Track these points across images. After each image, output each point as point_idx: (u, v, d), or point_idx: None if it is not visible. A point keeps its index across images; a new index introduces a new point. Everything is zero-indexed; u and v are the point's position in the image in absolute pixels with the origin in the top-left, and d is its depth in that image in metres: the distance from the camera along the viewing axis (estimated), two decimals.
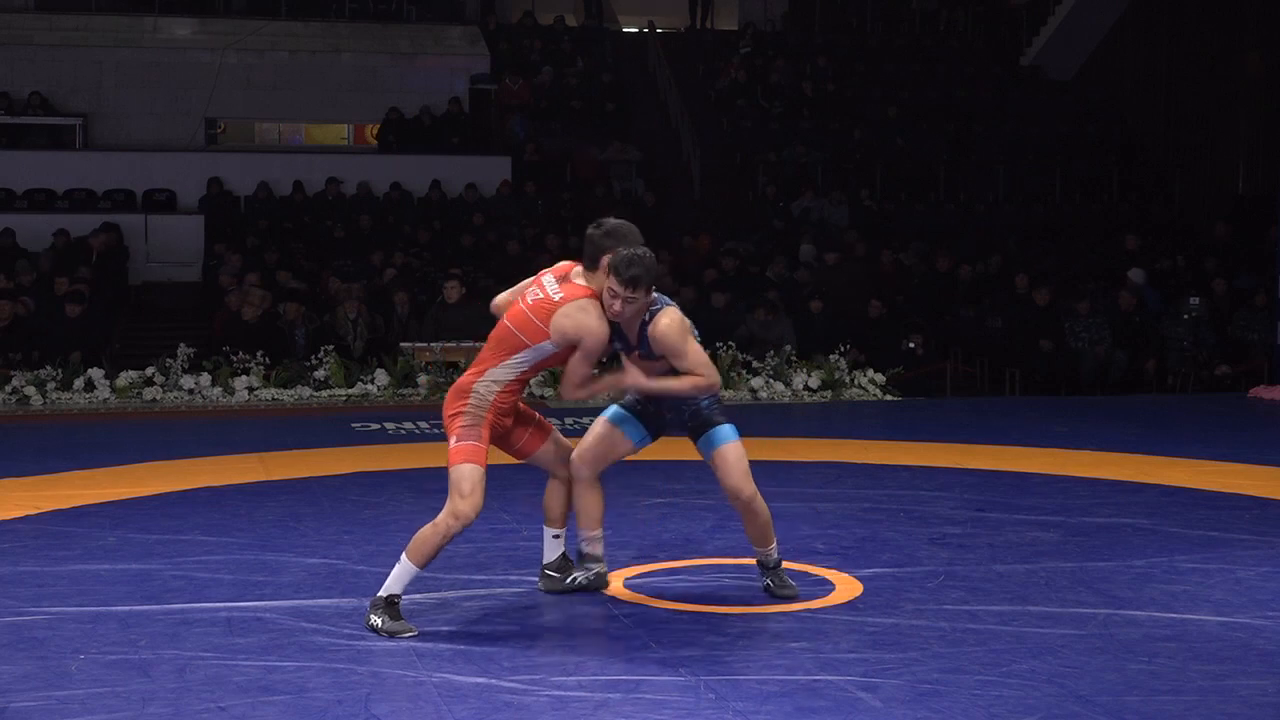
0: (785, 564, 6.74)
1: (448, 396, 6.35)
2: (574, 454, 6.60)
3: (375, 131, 22.89)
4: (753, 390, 14.71)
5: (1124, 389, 15.85)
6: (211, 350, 14.57)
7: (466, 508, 6.07)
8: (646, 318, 6.27)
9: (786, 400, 14.65)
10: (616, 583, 6.87)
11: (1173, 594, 6.68)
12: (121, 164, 20.39)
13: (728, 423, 6.49)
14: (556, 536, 6.76)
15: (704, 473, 9.96)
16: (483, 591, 6.72)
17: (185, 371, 14.29)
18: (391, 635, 5.99)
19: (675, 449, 11.12)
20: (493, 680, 5.39)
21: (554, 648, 5.84)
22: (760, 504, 6.45)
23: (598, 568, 6.73)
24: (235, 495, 9.17)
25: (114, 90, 21.89)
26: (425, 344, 14.72)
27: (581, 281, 6.29)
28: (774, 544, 6.59)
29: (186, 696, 5.22)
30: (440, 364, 14.51)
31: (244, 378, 14.19)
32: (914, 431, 12.19)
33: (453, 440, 6.21)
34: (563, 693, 5.24)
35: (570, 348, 6.23)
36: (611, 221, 6.38)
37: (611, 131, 22.50)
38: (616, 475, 9.76)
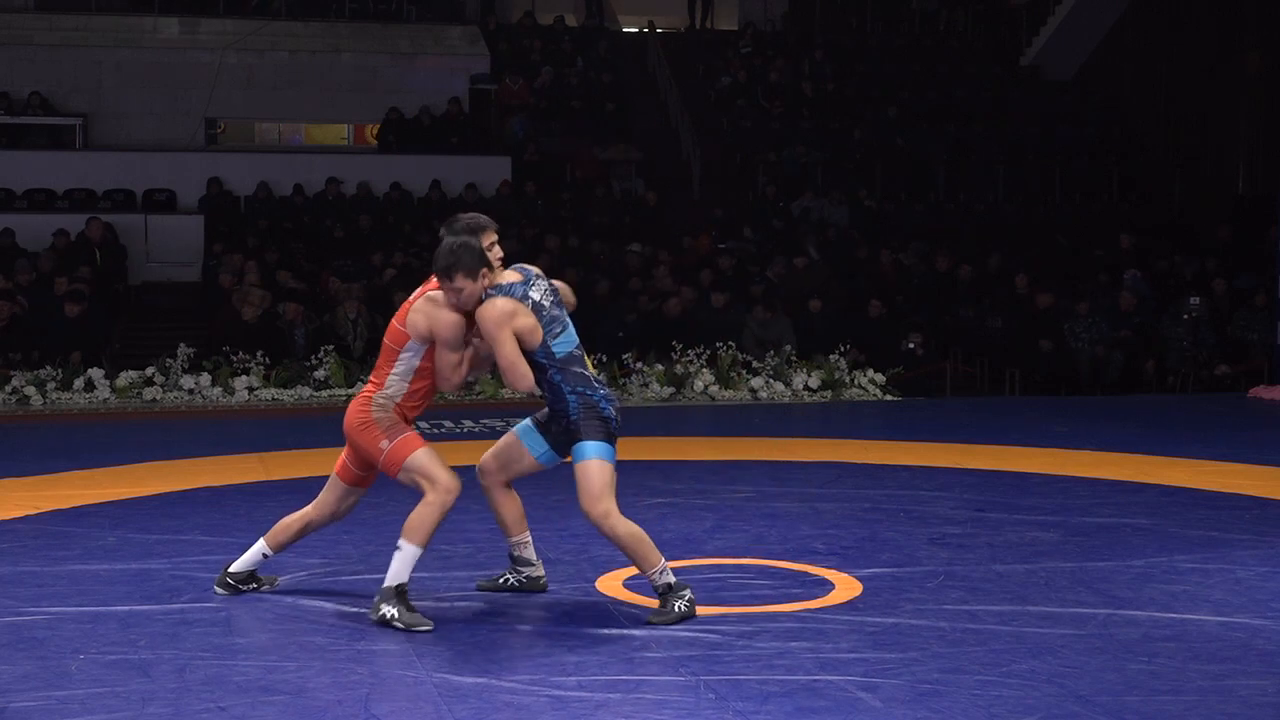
0: (786, 563, 6.71)
1: (350, 408, 6.43)
2: (479, 464, 6.62)
3: (375, 132, 22.89)
4: (753, 390, 14.71)
5: (1124, 389, 15.85)
6: (211, 350, 14.56)
7: (447, 482, 6.21)
8: (483, 296, 6.20)
9: (786, 400, 14.65)
10: (616, 583, 6.87)
11: (1172, 594, 6.68)
12: (121, 164, 20.38)
13: (596, 440, 6.25)
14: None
15: (703, 473, 10.01)
16: (481, 592, 6.72)
17: (185, 371, 14.29)
18: (408, 628, 6.04)
19: (674, 450, 11.15)
20: (492, 680, 5.39)
21: (553, 648, 5.84)
22: (616, 525, 6.19)
23: (529, 570, 6.73)
24: (235, 495, 9.17)
25: (114, 90, 21.88)
26: None
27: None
28: (657, 566, 6.24)
29: (186, 696, 5.22)
30: None
31: (244, 378, 14.20)
32: (914, 431, 12.19)
33: (383, 444, 6.29)
34: (562, 693, 5.24)
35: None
36: (462, 218, 6.37)
37: (612, 132, 22.50)
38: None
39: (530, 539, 6.73)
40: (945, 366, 16.32)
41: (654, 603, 6.42)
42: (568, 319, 6.38)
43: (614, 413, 6.35)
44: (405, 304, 6.38)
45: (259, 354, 14.32)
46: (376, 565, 7.19)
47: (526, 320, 6.18)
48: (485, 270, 6.16)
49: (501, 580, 6.75)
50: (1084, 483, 9.64)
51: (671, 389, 14.63)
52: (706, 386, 14.66)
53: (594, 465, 6.21)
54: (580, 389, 6.28)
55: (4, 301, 15.15)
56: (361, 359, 14.71)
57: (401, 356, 6.32)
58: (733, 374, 14.77)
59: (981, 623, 6.16)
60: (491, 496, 6.62)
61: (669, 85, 23.99)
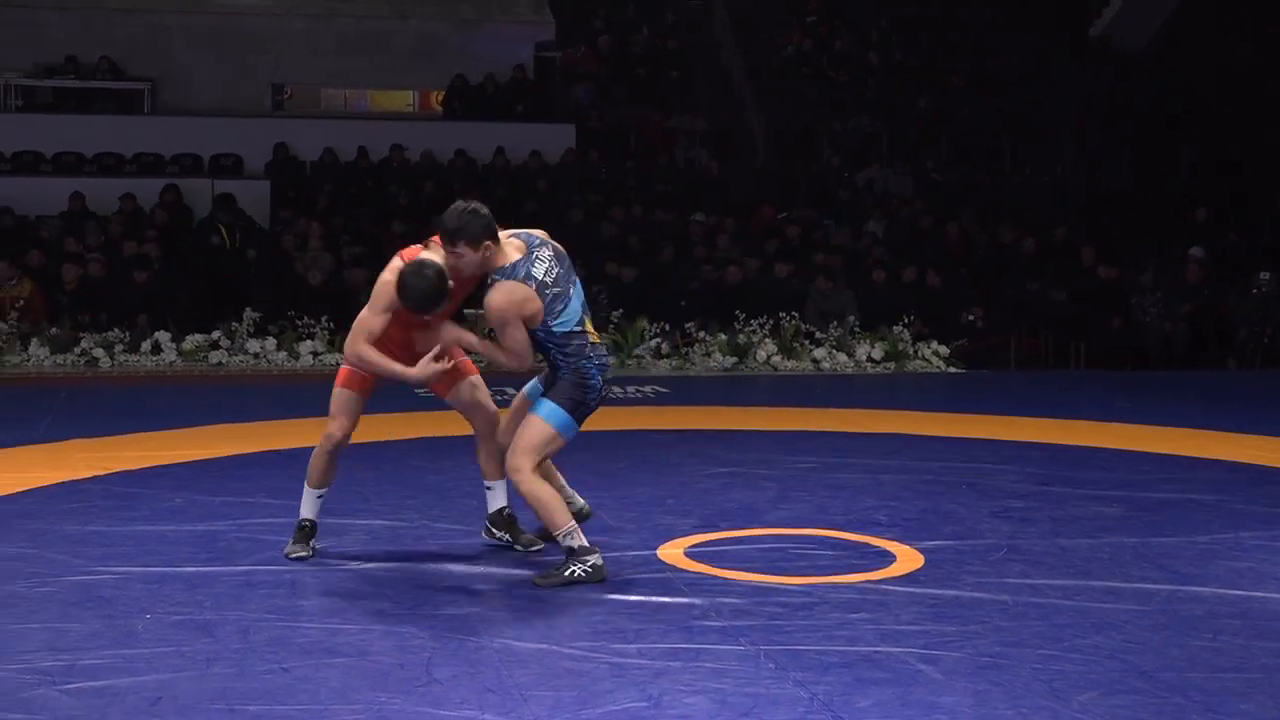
0: (848, 534, 6.69)
1: None
2: (499, 434, 6.65)
3: (440, 98, 22.91)
4: (815, 361, 14.68)
5: (1190, 364, 15.71)
6: (276, 315, 14.66)
7: (333, 428, 6.55)
8: (489, 280, 6.21)
9: (849, 371, 14.62)
10: (677, 551, 6.88)
11: (1237, 571, 6.62)
12: (189, 129, 20.50)
13: (561, 406, 6.27)
14: (489, 489, 6.87)
15: (765, 442, 10.00)
16: (542, 560, 6.74)
17: (250, 335, 14.39)
18: (288, 555, 6.61)
19: (736, 419, 11.15)
20: (553, 646, 5.41)
21: (614, 615, 5.85)
22: (524, 482, 6.22)
23: (525, 536, 6.83)
24: (299, 459, 9.19)
25: (182, 55, 21.99)
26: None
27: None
28: (564, 527, 6.25)
29: (250, 657, 5.27)
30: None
31: (308, 342, 14.28)
32: (977, 404, 12.13)
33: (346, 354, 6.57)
34: (622, 660, 5.26)
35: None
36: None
37: (676, 100, 22.44)
38: (678, 444, 9.84)
39: (571, 500, 6.75)
40: (1009, 339, 16.22)
41: (718, 570, 6.45)
42: (572, 290, 6.33)
43: (600, 382, 6.38)
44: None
45: (324, 318, 14.39)
46: (440, 529, 7.25)
47: (534, 305, 6.19)
48: (489, 242, 6.16)
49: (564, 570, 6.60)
50: (1149, 458, 9.57)
51: (734, 359, 14.62)
52: (769, 357, 14.64)
53: (538, 422, 6.28)
54: (575, 360, 6.30)
55: (74, 265, 15.31)
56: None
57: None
58: (795, 344, 14.74)
59: (1044, 596, 6.13)
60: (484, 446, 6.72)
61: (734, 53, 23.88)
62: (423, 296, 6.15)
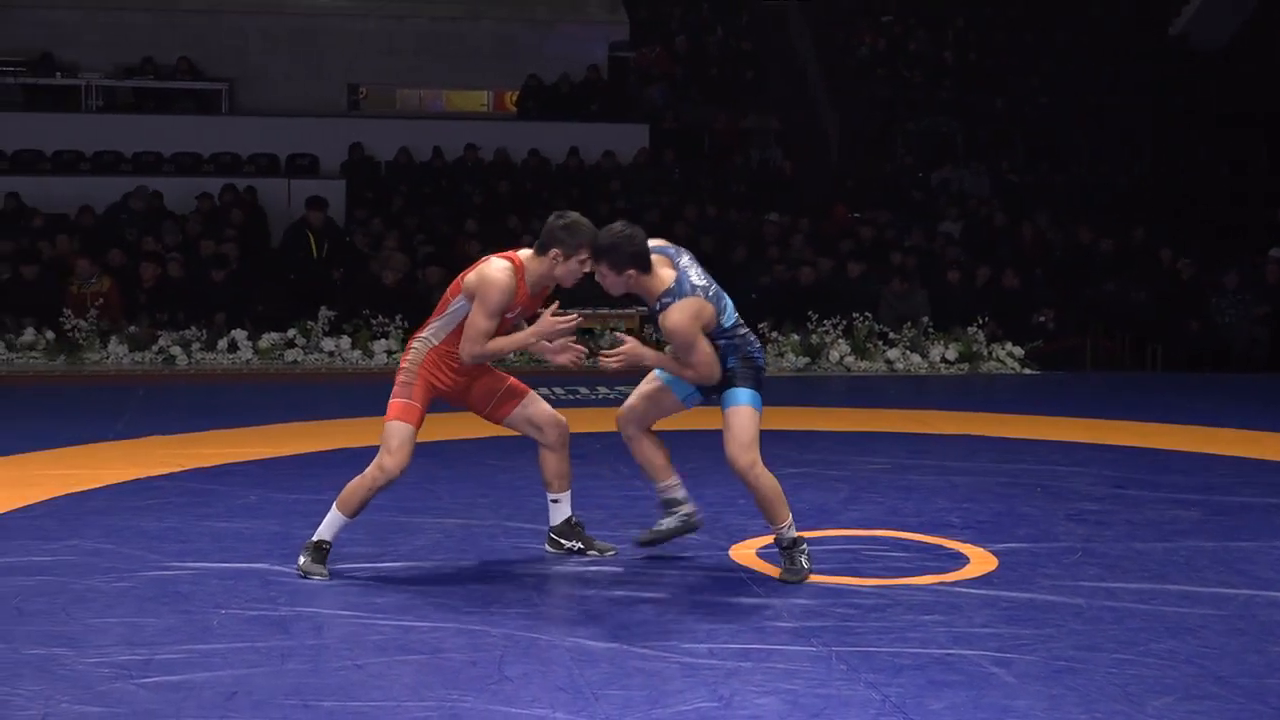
0: (921, 536, 6.68)
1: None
2: (618, 414, 6.65)
3: (514, 98, 22.98)
4: (889, 361, 14.62)
5: (1271, 366, 15.51)
6: (351, 314, 14.75)
7: (391, 464, 6.38)
8: (658, 306, 6.24)
9: (923, 372, 14.54)
10: (749, 551, 6.87)
11: None
12: (265, 128, 20.66)
13: (750, 388, 6.35)
14: (555, 501, 6.83)
15: (838, 443, 9.96)
16: (615, 558, 6.75)
17: (326, 334, 14.49)
18: (305, 575, 6.35)
19: (809, 420, 11.11)
20: (624, 646, 5.42)
21: (685, 615, 5.85)
22: (760, 476, 6.29)
23: (683, 509, 6.67)
24: (373, 457, 9.27)
25: (259, 56, 22.17)
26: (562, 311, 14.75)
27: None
28: (786, 521, 6.37)
29: (324, 654, 5.31)
30: (577, 330, 14.56)
31: (383, 341, 14.37)
32: (1052, 406, 12.04)
33: (394, 393, 6.47)
34: (693, 660, 5.26)
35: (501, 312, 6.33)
36: (572, 215, 6.39)
37: (750, 100, 22.40)
38: None
39: (679, 480, 6.70)
40: (1085, 341, 16.09)
41: None
42: (715, 283, 6.43)
43: (764, 363, 6.49)
44: (479, 260, 6.47)
45: (398, 318, 14.47)
46: (511, 529, 7.27)
47: (709, 313, 6.25)
48: (633, 271, 6.20)
49: (658, 528, 6.69)
50: (1227, 461, 9.46)
51: (807, 359, 14.58)
52: (842, 357, 14.59)
53: (745, 412, 6.30)
54: (742, 348, 6.37)
55: (151, 263, 15.47)
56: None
57: (451, 308, 6.43)
58: (869, 345, 14.69)
59: (1119, 600, 6.07)
60: (635, 445, 6.63)
61: (808, 54, 23.81)
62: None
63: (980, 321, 14.95)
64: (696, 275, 6.28)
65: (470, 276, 6.37)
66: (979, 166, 20.64)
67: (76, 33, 21.57)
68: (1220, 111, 22.37)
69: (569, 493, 6.79)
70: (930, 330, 15.00)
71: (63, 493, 8.09)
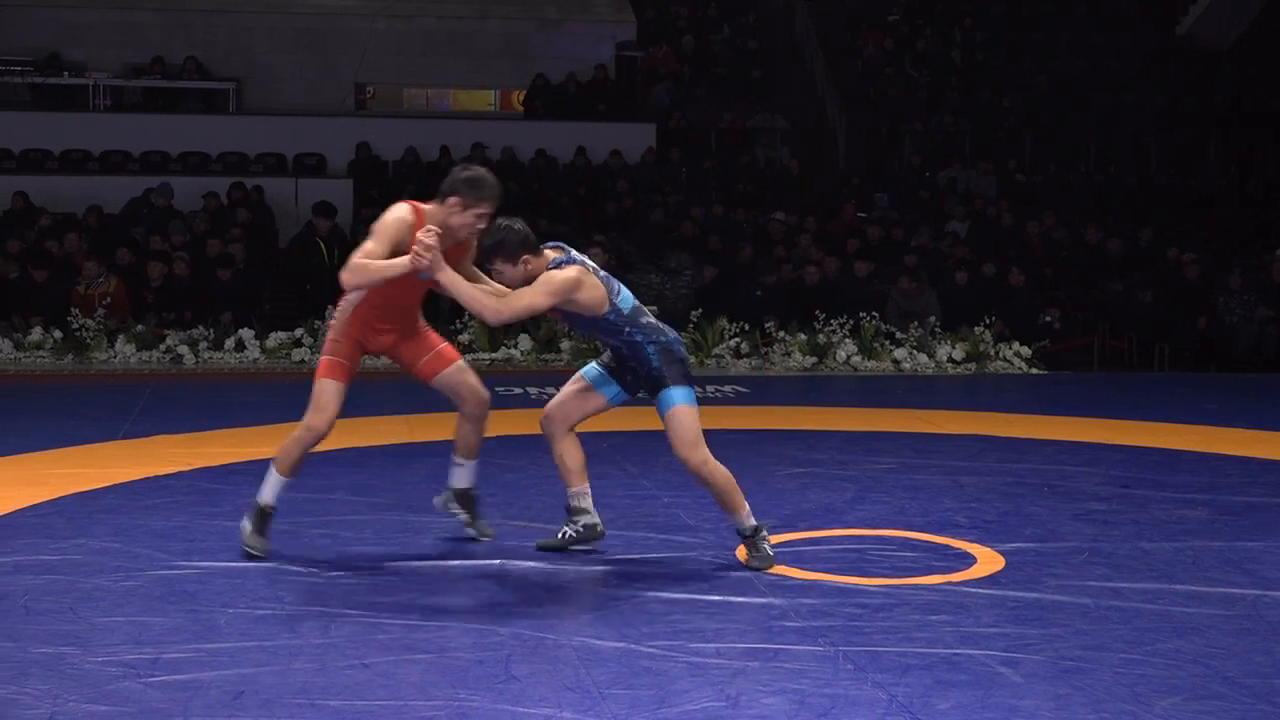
0: (928, 536, 6.67)
1: None
2: (544, 411, 6.76)
3: (521, 98, 22.99)
4: (896, 361, 14.61)
5: (1278, 365, 15.49)
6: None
7: (319, 421, 6.58)
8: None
9: (930, 372, 14.53)
10: None
11: None
12: (273, 128, 20.68)
13: (681, 385, 6.44)
14: (459, 465, 6.98)
15: (845, 443, 9.96)
16: (621, 558, 6.75)
17: None
18: (244, 545, 6.58)
19: (815, 419, 11.11)
20: (631, 645, 5.42)
21: (692, 615, 5.85)
22: (714, 471, 6.40)
23: (586, 518, 6.79)
24: (380, 456, 9.30)
25: (266, 55, 22.20)
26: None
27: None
28: (743, 511, 6.48)
29: (331, 653, 5.31)
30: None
31: None
32: (1059, 406, 12.03)
33: (321, 353, 6.67)
34: (701, 659, 5.26)
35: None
36: (479, 169, 6.66)
37: (757, 99, 22.40)
38: (757, 444, 9.81)
39: (589, 489, 6.81)
40: (1091, 340, 16.08)
41: (796, 571, 6.44)
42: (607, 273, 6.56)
43: (685, 352, 6.59)
44: None
45: None
46: (517, 529, 7.27)
47: (596, 292, 6.35)
48: (527, 256, 6.33)
49: (561, 536, 6.82)
50: (1235, 461, 9.45)
51: (813, 358, 14.57)
52: (849, 357, 14.59)
53: (683, 411, 6.41)
54: (655, 337, 6.47)
55: (158, 263, 15.48)
56: (507, 324, 14.79)
57: None
58: (876, 344, 14.68)
59: (1126, 600, 6.07)
60: (555, 444, 6.73)
61: (816, 53, 23.81)
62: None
63: (987, 321, 14.94)
64: (581, 258, 6.43)
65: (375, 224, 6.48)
66: (986, 166, 20.63)
67: (84, 32, 21.61)
68: (1227, 111, 22.35)
69: (475, 463, 6.95)
70: (937, 330, 14.99)
71: (70, 492, 8.10)
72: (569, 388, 6.73)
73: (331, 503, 7.89)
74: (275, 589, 6.16)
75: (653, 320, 6.55)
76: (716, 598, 6.09)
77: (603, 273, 6.46)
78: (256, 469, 8.72)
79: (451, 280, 6.32)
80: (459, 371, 6.85)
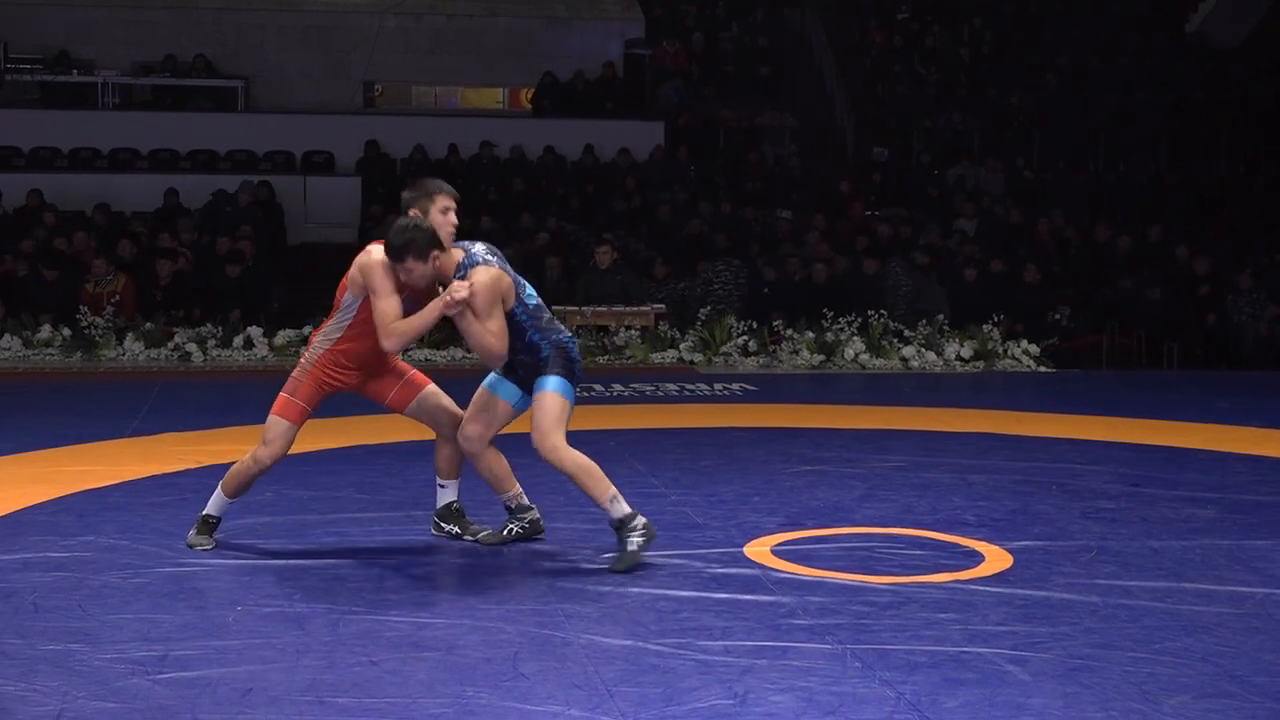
0: (936, 534, 6.65)
1: None
2: (459, 430, 6.79)
3: (530, 96, 23.00)
4: (904, 359, 14.60)
5: None
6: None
7: (265, 455, 6.69)
8: (460, 274, 6.40)
9: (938, 370, 14.52)
10: (764, 549, 6.86)
11: None
12: (281, 126, 20.70)
13: (559, 375, 6.51)
14: (442, 487, 7.04)
15: (853, 441, 9.95)
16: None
17: None
18: (191, 546, 6.74)
19: (823, 418, 11.11)
20: (639, 643, 5.42)
21: (701, 613, 5.84)
22: (564, 458, 6.44)
23: (530, 514, 6.95)
24: (388, 454, 9.30)
25: (275, 53, 22.22)
26: (575, 308, 14.79)
27: None
28: (608, 494, 6.46)
29: (339, 650, 5.32)
30: (590, 328, 14.60)
31: None
32: (1068, 404, 12.02)
33: (287, 389, 6.71)
34: (709, 657, 5.25)
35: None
36: (417, 181, 6.67)
37: (765, 97, 22.38)
38: (765, 442, 9.81)
39: (521, 489, 6.94)
40: (1100, 338, 16.06)
41: (804, 569, 6.44)
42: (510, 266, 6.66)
43: (579, 353, 6.70)
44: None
45: None
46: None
47: (507, 281, 6.46)
48: (436, 252, 6.37)
49: (505, 532, 6.94)
50: (1244, 459, 9.44)
51: (822, 356, 14.57)
52: (857, 355, 14.58)
53: (549, 398, 6.49)
54: (551, 336, 6.57)
55: (167, 260, 15.50)
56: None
57: (343, 305, 6.61)
58: (884, 342, 14.67)
59: (1135, 598, 6.06)
60: (479, 462, 6.81)
61: (824, 50, 23.80)
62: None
63: (996, 319, 14.93)
64: (485, 252, 6.50)
65: (352, 271, 6.52)
66: (994, 164, 20.60)
67: (94, 30, 21.64)
68: (1236, 109, 22.30)
69: (456, 481, 7.01)
70: (945, 328, 14.98)
71: (79, 489, 8.11)
72: (475, 403, 6.78)
73: (339, 500, 7.90)
74: (283, 586, 6.16)
75: (553, 319, 6.67)
76: (724, 595, 6.09)
77: (507, 266, 6.55)
78: None
79: (469, 325, 6.43)
80: (431, 396, 6.89)
